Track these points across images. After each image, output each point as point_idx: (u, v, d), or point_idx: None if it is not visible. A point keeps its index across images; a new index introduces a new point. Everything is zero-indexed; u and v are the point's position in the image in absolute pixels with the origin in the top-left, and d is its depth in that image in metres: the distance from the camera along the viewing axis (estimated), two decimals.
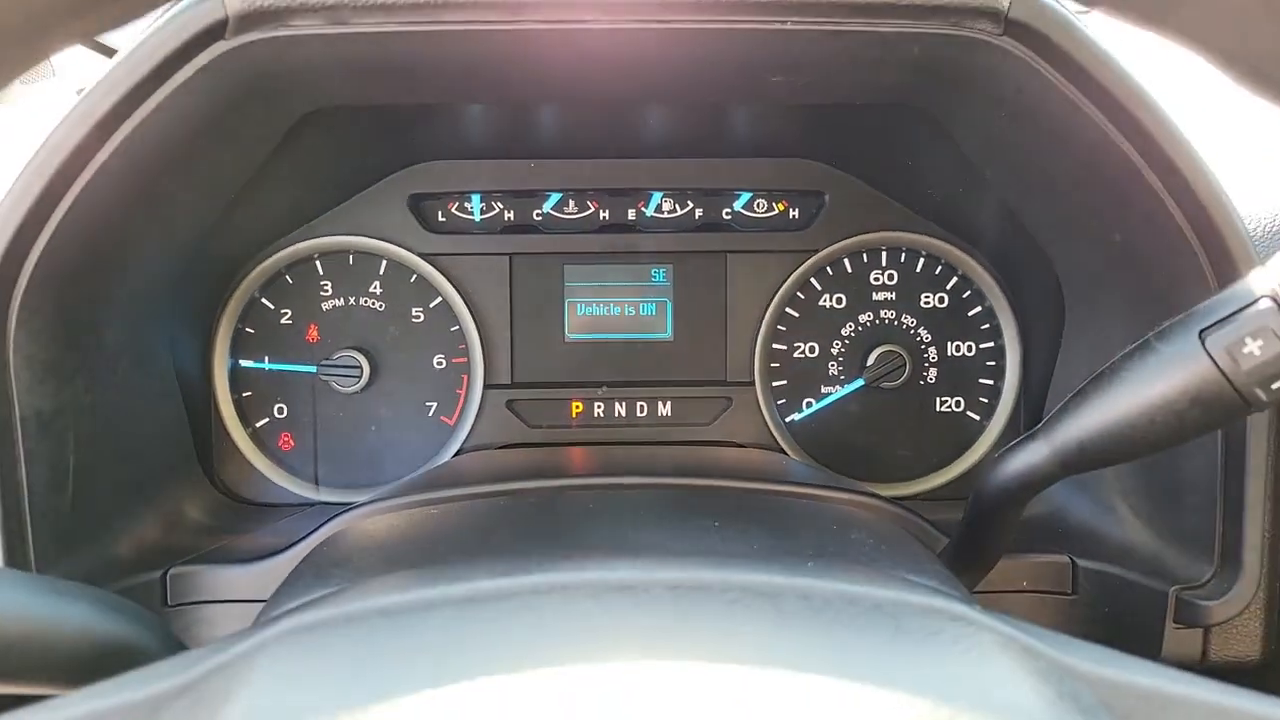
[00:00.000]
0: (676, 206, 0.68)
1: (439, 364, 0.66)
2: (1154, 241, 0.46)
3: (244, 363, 0.65)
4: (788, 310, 0.67)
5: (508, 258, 0.66)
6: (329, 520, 0.47)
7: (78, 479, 0.47)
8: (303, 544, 0.47)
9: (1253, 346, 0.33)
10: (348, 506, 0.47)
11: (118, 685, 0.25)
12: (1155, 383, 0.35)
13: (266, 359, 0.65)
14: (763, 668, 0.21)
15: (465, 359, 0.66)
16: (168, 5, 0.28)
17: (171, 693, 0.25)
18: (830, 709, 0.20)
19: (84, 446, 0.47)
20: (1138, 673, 0.23)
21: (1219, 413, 0.34)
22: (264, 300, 0.65)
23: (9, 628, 0.30)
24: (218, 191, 0.54)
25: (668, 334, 0.67)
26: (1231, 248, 0.42)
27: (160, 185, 0.47)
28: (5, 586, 0.30)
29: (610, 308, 0.67)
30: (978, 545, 0.43)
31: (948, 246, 0.67)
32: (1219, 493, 0.45)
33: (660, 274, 0.67)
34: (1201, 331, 0.34)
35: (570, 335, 0.67)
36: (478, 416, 0.66)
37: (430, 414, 0.66)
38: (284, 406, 0.65)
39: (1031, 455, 0.39)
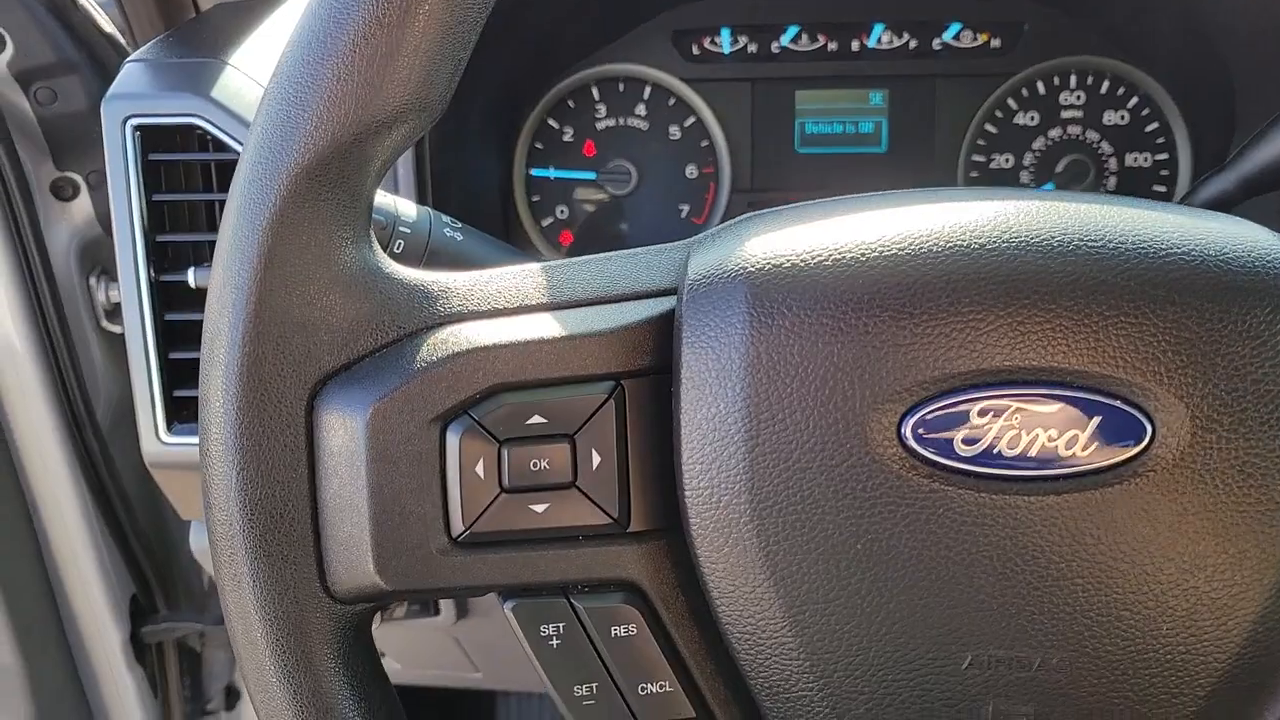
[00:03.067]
0: (894, 38, 0.81)
1: (691, 173, 0.82)
2: None
3: (535, 171, 0.83)
4: (987, 127, 0.81)
5: (750, 83, 0.81)
6: None
7: None
8: None
9: None
10: None
11: None
12: None
13: (552, 168, 0.82)
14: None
15: (714, 169, 0.82)
16: None
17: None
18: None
19: None
20: None
21: None
22: (550, 121, 0.82)
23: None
24: (523, 36, 0.70)
25: (883, 148, 0.82)
26: None
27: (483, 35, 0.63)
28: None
29: (834, 125, 0.82)
30: None
31: (1131, 69, 0.78)
32: None
33: (878, 97, 0.81)
34: None
35: (800, 149, 0.82)
36: (724, 217, 0.83)
37: (683, 215, 0.83)
38: (565, 209, 0.83)
39: (1217, 185, 0.52)
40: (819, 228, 0.35)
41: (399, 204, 0.47)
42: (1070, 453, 0.32)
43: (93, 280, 0.91)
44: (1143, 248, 0.33)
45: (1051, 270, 0.32)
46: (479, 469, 0.34)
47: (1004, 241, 0.33)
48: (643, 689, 0.36)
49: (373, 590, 0.35)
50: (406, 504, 0.34)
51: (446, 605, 0.73)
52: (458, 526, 0.34)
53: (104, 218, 0.90)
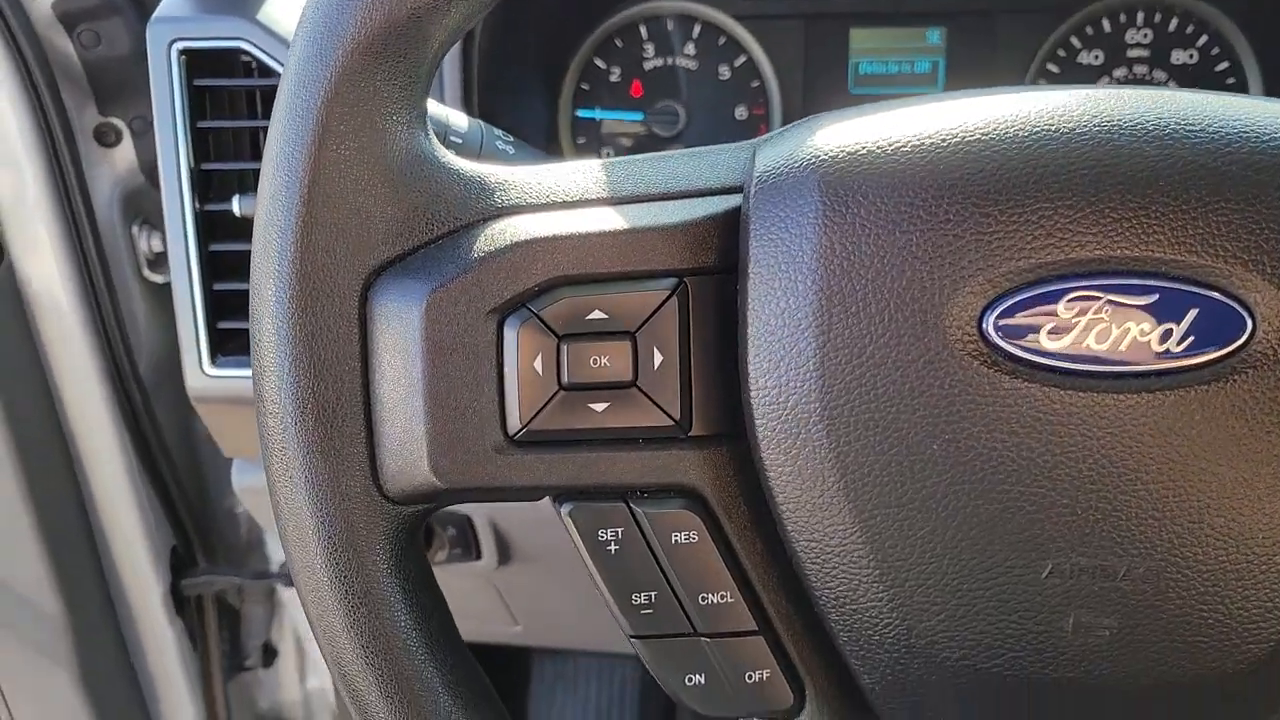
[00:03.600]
0: None
1: (740, 115, 0.81)
2: None
3: (581, 113, 0.81)
4: (1049, 67, 0.78)
5: (803, 20, 0.79)
6: None
7: None
8: None
9: None
10: None
11: None
12: None
13: (599, 109, 0.81)
14: None
15: (764, 110, 0.80)
16: None
17: None
18: None
19: None
20: None
21: None
22: (597, 61, 0.81)
23: None
24: None
25: (939, 89, 0.79)
26: None
27: None
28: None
29: (889, 65, 0.80)
30: None
31: (1201, 4, 0.75)
32: None
33: (935, 34, 0.79)
34: None
35: (854, 90, 0.80)
36: None
37: None
38: (611, 151, 0.82)
39: None
40: (895, 118, 0.33)
41: (450, 115, 0.46)
42: (1164, 348, 0.30)
43: (135, 229, 0.91)
44: (1243, 133, 0.31)
45: (1146, 155, 0.31)
46: (537, 364, 0.33)
47: (1095, 126, 0.31)
48: (703, 599, 0.35)
49: (426, 488, 0.34)
50: (462, 398, 0.33)
51: (488, 549, 0.73)
52: (514, 424, 0.33)
53: (148, 166, 0.90)
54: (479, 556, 0.74)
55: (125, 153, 0.90)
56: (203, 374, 0.61)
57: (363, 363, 0.33)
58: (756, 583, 0.35)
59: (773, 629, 0.36)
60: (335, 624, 0.34)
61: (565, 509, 0.35)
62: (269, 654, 1.27)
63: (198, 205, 0.60)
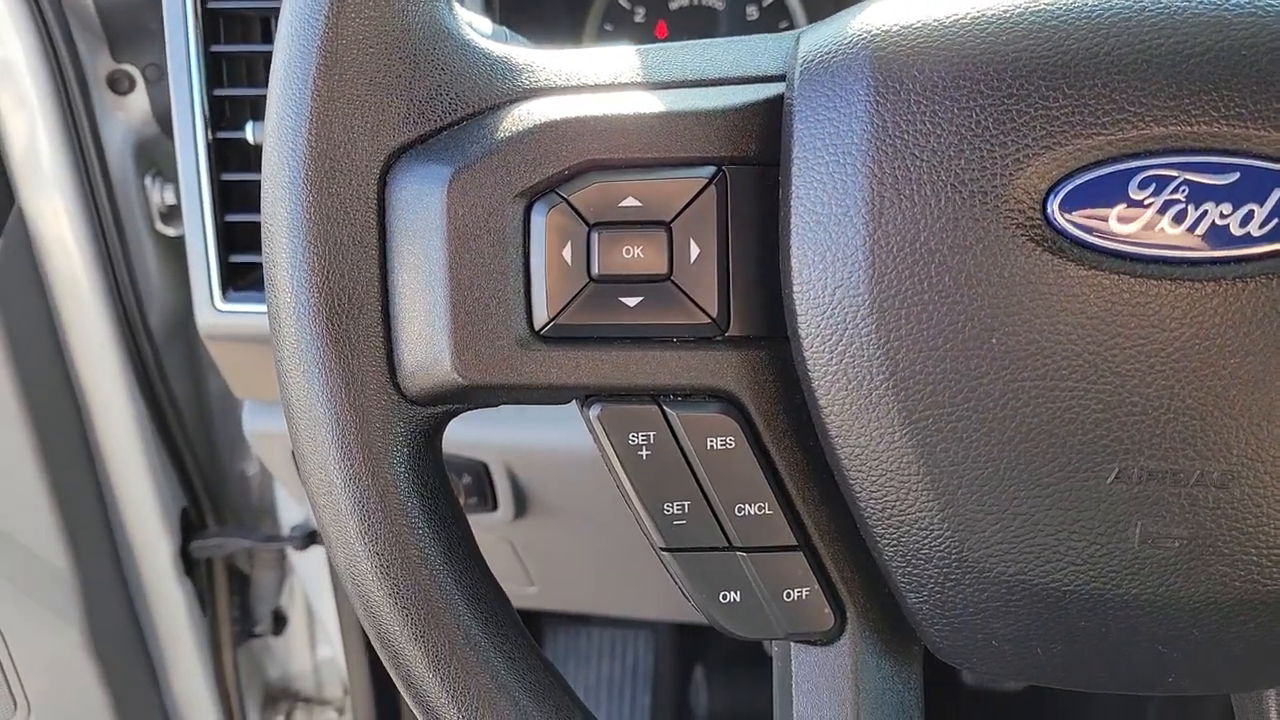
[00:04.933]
0: None
1: None
2: None
3: None
4: None
5: None
6: None
7: None
8: None
9: None
10: None
11: None
12: None
13: None
14: None
15: None
16: None
17: None
18: None
19: None
20: None
21: None
22: (621, 1, 0.79)
23: None
24: None
25: None
26: None
27: None
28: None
29: None
30: None
31: None
32: None
33: None
34: None
35: None
36: None
37: None
38: None
39: None
40: None
41: (474, 18, 0.44)
42: (1244, 231, 0.28)
43: (148, 181, 0.90)
44: None
45: (1227, 22, 0.28)
46: (566, 253, 0.31)
47: None
48: (739, 510, 0.33)
49: (446, 385, 0.32)
50: (486, 288, 0.31)
51: (505, 499, 0.71)
52: (541, 316, 0.32)
53: (162, 115, 0.88)
54: (495, 507, 0.72)
55: (139, 101, 0.88)
56: (214, 309, 0.60)
57: (380, 249, 0.32)
58: (795, 495, 0.33)
59: (812, 545, 0.34)
60: (349, 529, 0.33)
61: (594, 411, 0.33)
62: (279, 622, 1.26)
63: (210, 134, 0.58)
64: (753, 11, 0.78)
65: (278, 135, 0.31)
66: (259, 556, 1.17)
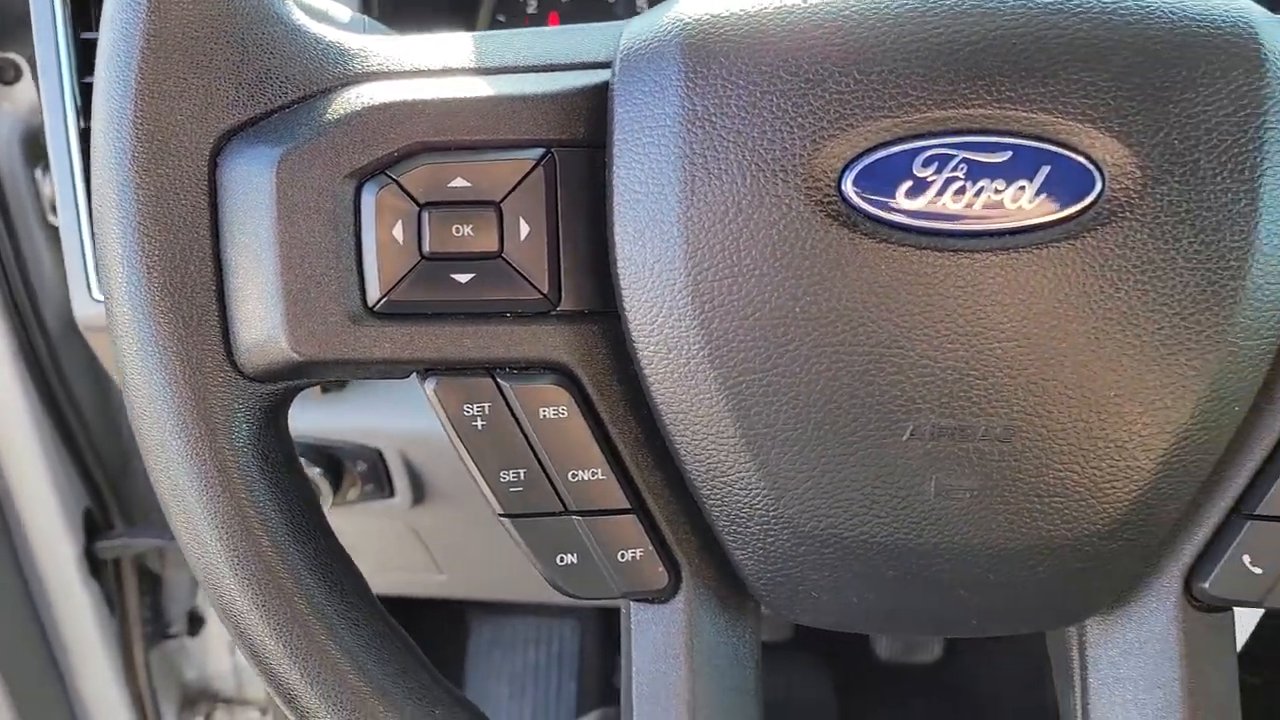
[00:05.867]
0: None
1: None
2: None
3: None
4: None
5: None
6: None
7: None
8: None
9: None
10: None
11: None
12: None
13: None
14: None
15: None
16: None
17: None
18: None
19: None
20: None
21: None
22: None
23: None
24: None
25: None
26: None
27: None
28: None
29: None
30: None
31: None
32: None
33: None
34: None
35: None
36: None
37: None
38: None
39: None
40: None
41: (331, 5, 0.46)
42: (1018, 205, 0.31)
43: (38, 173, 0.89)
44: None
45: (1000, 14, 0.31)
46: (397, 232, 0.33)
47: None
48: (573, 476, 0.35)
49: (282, 361, 0.34)
50: (318, 266, 0.33)
51: (401, 485, 0.73)
52: (374, 293, 0.33)
53: None
54: (392, 494, 0.73)
55: (25, 91, 0.87)
56: (91, 300, 0.60)
57: (213, 230, 0.33)
58: (629, 460, 0.36)
59: (646, 508, 0.36)
60: (190, 505, 0.34)
61: (430, 384, 0.35)
62: (195, 622, 1.25)
63: (82, 122, 0.58)
64: (643, 5, 0.80)
65: (104, 119, 0.32)
66: (170, 556, 1.16)
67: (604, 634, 1.36)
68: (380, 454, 0.70)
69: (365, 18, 0.47)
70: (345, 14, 0.46)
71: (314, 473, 0.68)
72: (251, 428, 0.34)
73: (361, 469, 0.70)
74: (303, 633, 0.35)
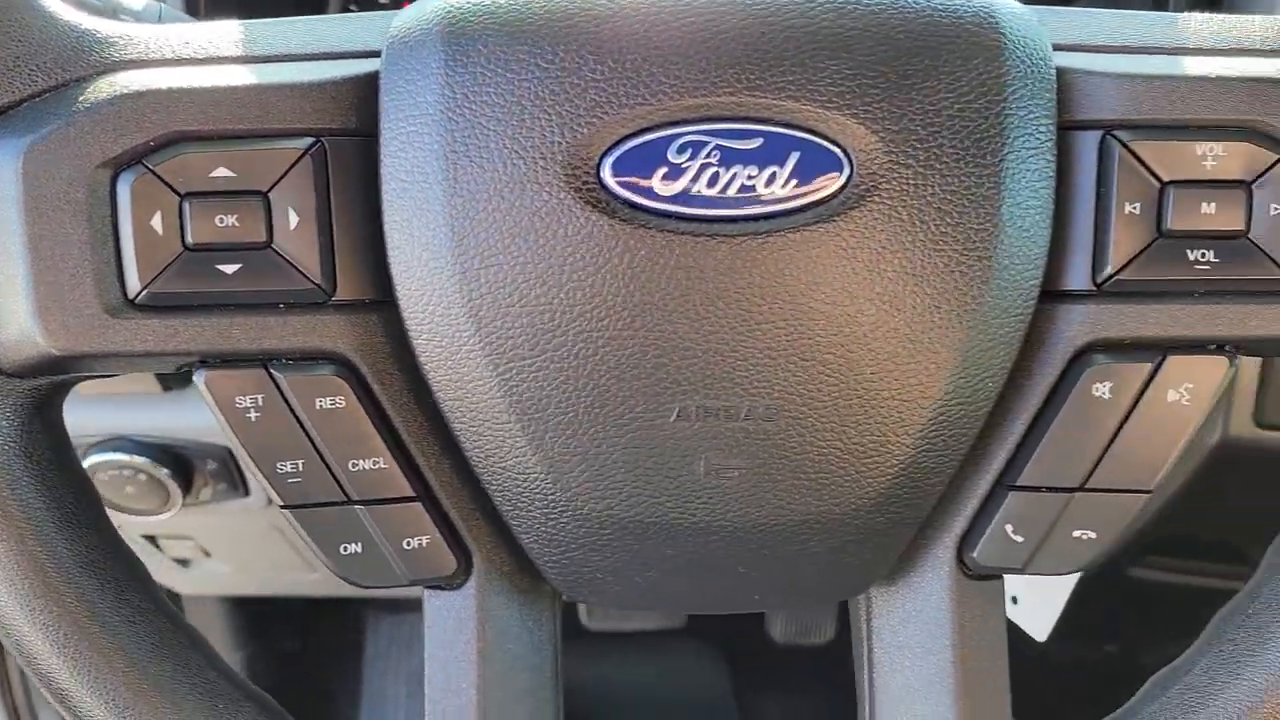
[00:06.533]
0: None
1: None
2: None
3: None
4: None
5: None
6: None
7: None
8: None
9: None
10: None
11: None
12: None
13: None
14: None
15: None
16: None
17: None
18: None
19: None
20: None
21: None
22: None
23: None
24: None
25: None
26: None
27: None
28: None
29: None
30: None
31: None
32: None
33: None
34: None
35: None
36: None
37: None
38: None
39: None
40: None
41: None
42: (770, 191, 0.32)
43: None
44: None
45: (752, 6, 0.32)
46: (156, 223, 0.33)
47: None
48: (354, 465, 0.35)
49: (39, 357, 0.33)
50: (70, 257, 0.32)
51: (255, 485, 0.72)
52: (134, 285, 0.33)
53: None
54: (247, 492, 0.72)
55: None
56: None
57: None
58: (414, 448, 0.36)
59: (433, 495, 0.36)
60: None
61: (198, 376, 0.34)
62: None
63: None
64: None
65: None
66: None
67: None
68: (229, 452, 0.69)
69: (162, 5, 0.46)
70: (139, 2, 0.45)
71: (162, 474, 0.67)
72: (14, 424, 0.34)
73: (212, 468, 0.69)
74: (73, 630, 0.34)
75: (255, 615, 1.17)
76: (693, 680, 1.32)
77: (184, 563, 0.90)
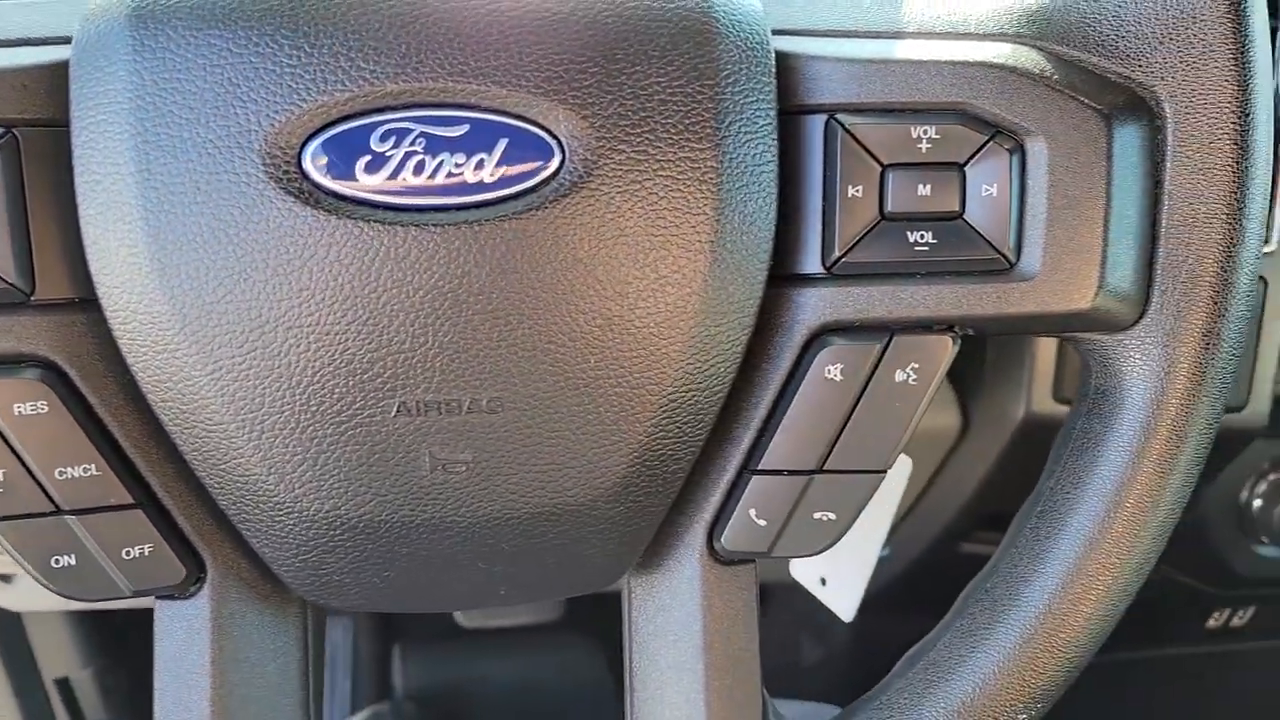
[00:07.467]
0: None
1: None
2: None
3: None
4: None
5: None
6: None
7: None
8: None
9: None
10: None
11: None
12: None
13: None
14: None
15: None
16: None
17: None
18: None
19: None
20: None
21: None
22: None
23: None
24: None
25: None
26: None
27: None
28: None
29: None
30: None
31: None
32: None
33: None
34: None
35: None
36: None
37: None
38: None
39: None
40: None
41: None
42: (479, 178, 0.32)
43: None
44: None
45: None
46: None
47: None
48: (61, 473, 0.34)
49: None
50: None
51: None
52: None
53: None
54: None
55: None
56: None
57: None
58: (134, 454, 0.34)
59: (157, 501, 0.35)
60: None
61: None
62: None
63: None
64: None
65: None
66: None
67: (374, 629, 1.34)
68: None
69: None
70: None
71: None
72: None
73: None
74: None
75: (102, 628, 1.12)
76: (572, 674, 1.32)
77: (6, 578, 0.85)
